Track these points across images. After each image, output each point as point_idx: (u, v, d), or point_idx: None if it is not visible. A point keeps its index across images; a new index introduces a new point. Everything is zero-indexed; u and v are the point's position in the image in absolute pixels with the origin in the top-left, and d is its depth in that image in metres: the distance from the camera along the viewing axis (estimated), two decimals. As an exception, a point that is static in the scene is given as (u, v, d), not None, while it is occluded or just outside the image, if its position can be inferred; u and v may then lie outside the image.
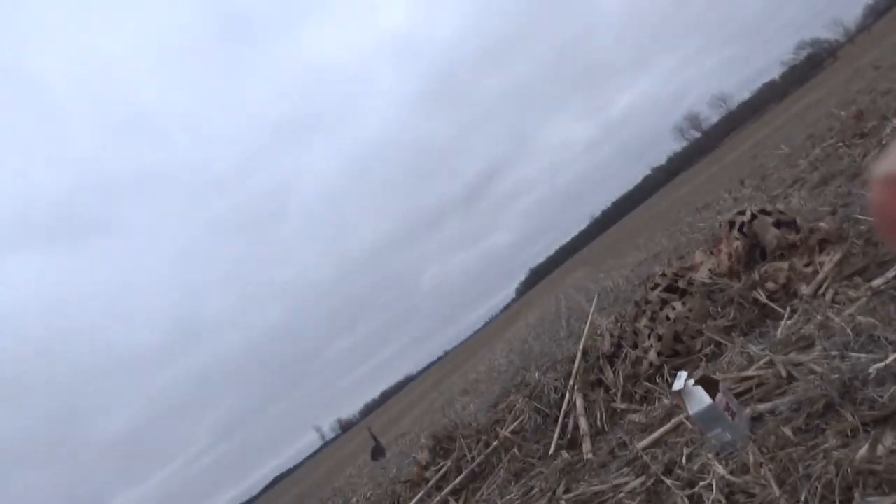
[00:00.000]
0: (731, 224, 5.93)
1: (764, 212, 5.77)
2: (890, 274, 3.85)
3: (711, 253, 5.62)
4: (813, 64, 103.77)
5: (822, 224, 4.98)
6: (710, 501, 2.85)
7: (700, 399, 3.36)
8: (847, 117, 12.16)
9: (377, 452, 18.66)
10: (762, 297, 4.64)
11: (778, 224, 5.53)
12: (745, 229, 5.66)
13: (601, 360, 5.71)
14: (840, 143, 10.25)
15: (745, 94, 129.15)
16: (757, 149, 26.68)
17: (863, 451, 2.40)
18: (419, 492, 6.78)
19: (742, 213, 5.88)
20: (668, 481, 3.34)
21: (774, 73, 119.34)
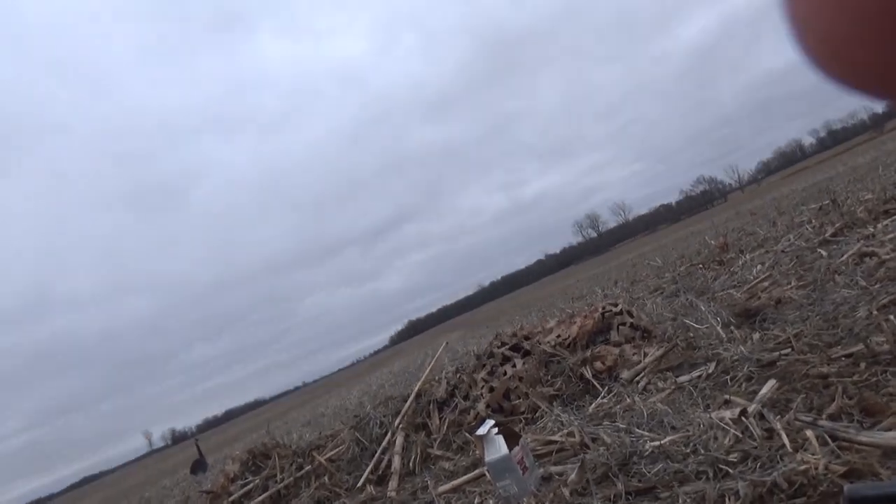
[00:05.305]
0: (599, 310, 6.27)
1: (629, 313, 6.17)
2: (695, 374, 4.22)
3: (562, 322, 5.90)
4: (706, 199, 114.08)
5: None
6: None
7: (498, 448, 3.46)
8: (714, 246, 13.43)
9: (198, 467, 17.45)
10: (588, 374, 4.90)
11: (633, 326, 5.93)
12: (605, 314, 5.99)
13: (431, 405, 5.76)
14: (701, 265, 11.27)
15: (643, 210, 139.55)
16: (639, 259, 28.63)
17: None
18: (218, 504, 6.42)
19: (615, 304, 6.25)
20: (450, 523, 3.38)
21: (672, 198, 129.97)
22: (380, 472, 5.33)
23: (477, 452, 4.41)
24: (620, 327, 5.87)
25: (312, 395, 58.67)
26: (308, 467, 6.09)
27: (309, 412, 26.40)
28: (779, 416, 2.95)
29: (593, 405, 4.47)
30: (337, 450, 6.14)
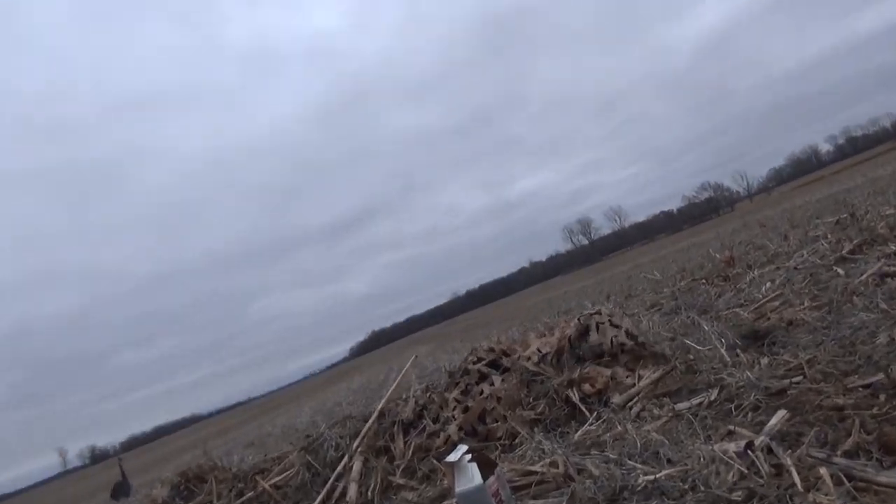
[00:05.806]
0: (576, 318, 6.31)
1: (608, 315, 6.20)
2: (695, 401, 4.25)
3: (544, 334, 5.91)
4: (711, 207, 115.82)
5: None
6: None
7: (471, 477, 3.42)
8: (719, 260, 13.63)
9: (120, 490, 17.13)
10: (575, 398, 4.91)
11: (613, 324, 5.95)
12: (581, 320, 6.02)
13: (396, 427, 5.72)
14: (704, 281, 11.41)
15: (641, 216, 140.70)
16: (635, 271, 28.93)
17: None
18: (142, 534, 6.29)
19: (598, 313, 6.29)
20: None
21: (674, 205, 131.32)
22: (333, 502, 5.27)
23: (446, 482, 4.37)
24: (600, 325, 5.89)
25: (258, 411, 58.20)
26: (250, 493, 6.00)
27: (254, 431, 26.19)
28: (789, 451, 2.96)
29: (580, 432, 4.47)
30: (284, 475, 6.06)
